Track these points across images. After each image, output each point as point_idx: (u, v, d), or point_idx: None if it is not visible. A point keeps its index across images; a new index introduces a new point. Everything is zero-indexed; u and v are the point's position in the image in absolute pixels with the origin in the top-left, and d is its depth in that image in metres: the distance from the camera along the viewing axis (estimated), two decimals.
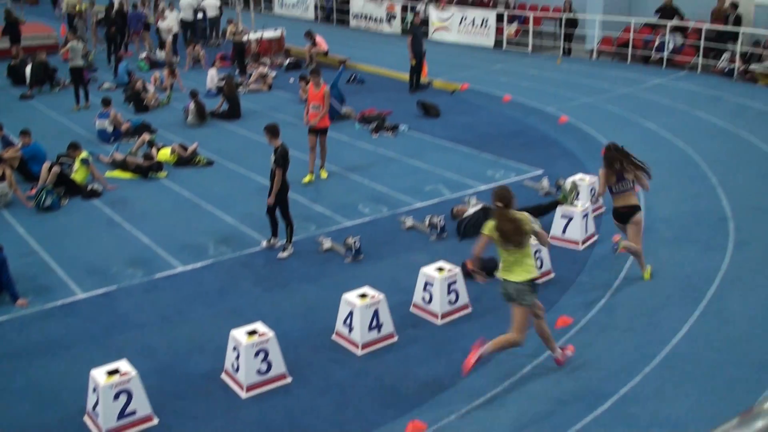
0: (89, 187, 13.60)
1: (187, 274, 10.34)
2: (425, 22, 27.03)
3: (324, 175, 13.82)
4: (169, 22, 24.63)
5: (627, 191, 8.81)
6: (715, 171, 12.91)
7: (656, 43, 21.28)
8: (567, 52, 23.58)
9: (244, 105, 18.84)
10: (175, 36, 24.82)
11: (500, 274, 7.06)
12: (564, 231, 10.81)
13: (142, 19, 25.58)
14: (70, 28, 25.90)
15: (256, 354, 7.48)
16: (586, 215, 10.83)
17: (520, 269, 6.94)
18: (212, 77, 20.69)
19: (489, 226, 6.95)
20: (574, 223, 10.73)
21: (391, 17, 28.80)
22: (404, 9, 28.35)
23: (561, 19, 23.70)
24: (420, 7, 27.68)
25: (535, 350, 7.80)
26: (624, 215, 8.92)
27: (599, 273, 9.75)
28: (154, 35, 26.19)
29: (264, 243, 11.06)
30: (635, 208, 8.86)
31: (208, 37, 26.93)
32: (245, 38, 22.82)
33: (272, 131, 10.48)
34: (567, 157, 14.79)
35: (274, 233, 11.01)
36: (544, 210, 11.37)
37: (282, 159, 10.35)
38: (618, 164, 8.70)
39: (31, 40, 25.72)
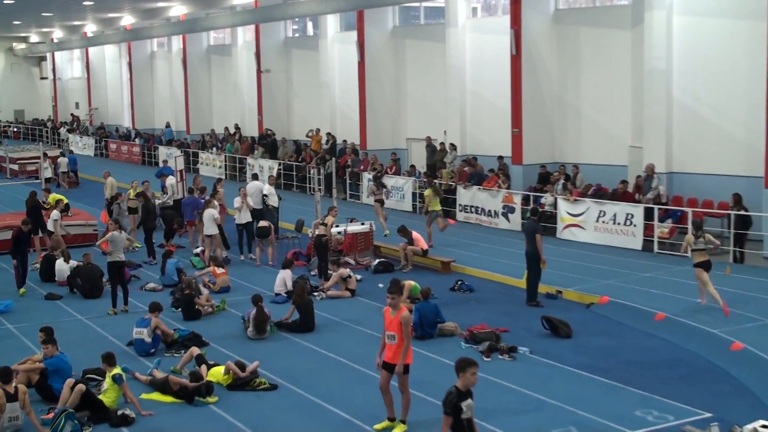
0: (119, 412, 13.82)
1: None
2: (550, 216, 27.56)
3: (400, 430, 12.80)
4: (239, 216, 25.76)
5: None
6: None
7: None
8: (739, 258, 23.41)
9: (319, 314, 19.21)
10: (247, 226, 25.89)
11: None
12: None
13: (199, 206, 26.71)
14: (110, 215, 27.56)
15: None
16: None
17: None
18: (283, 279, 21.29)
19: None
20: None
21: (508, 210, 29.46)
22: (525, 200, 29.01)
23: (729, 217, 23.75)
24: (545, 198, 28.27)
25: None
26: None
27: None
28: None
29: None
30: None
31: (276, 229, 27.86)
32: (330, 232, 23.55)
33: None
34: (742, 396, 14.31)
35: None
36: None
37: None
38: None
39: (67, 230, 27.23)
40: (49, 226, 25.83)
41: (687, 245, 19.22)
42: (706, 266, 18.93)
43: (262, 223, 25.15)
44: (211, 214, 24.74)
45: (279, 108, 48.31)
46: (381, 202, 28.93)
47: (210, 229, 24.71)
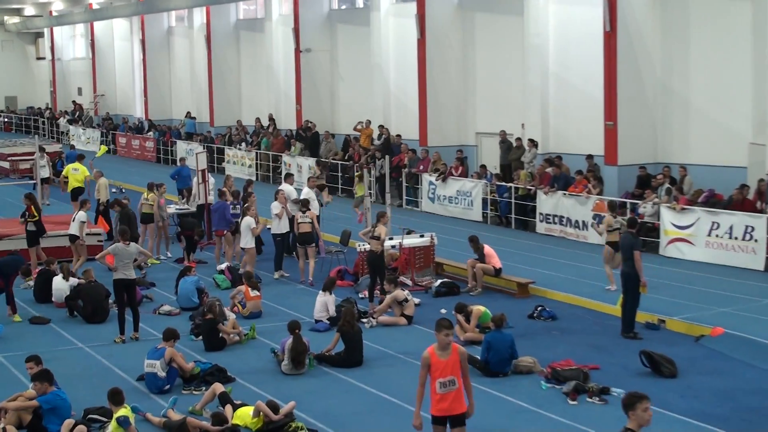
0: None
1: None
2: (652, 228, 27.36)
3: None
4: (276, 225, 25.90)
5: None
6: None
7: None
8: None
9: (368, 345, 19.23)
10: (283, 237, 26.08)
11: None
12: None
13: (228, 214, 26.80)
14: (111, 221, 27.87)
15: None
16: None
17: None
18: (324, 303, 21.36)
19: None
20: None
21: (599, 221, 29.27)
22: (621, 209, 28.81)
23: None
24: (645, 207, 28.04)
25: None
26: None
27: None
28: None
29: None
30: None
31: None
32: (385, 246, 23.50)
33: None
34: None
35: None
36: None
37: None
38: None
39: (65, 241, 27.52)
40: (73, 230, 26.18)
41: (607, 226, 23.75)
42: (616, 246, 22.46)
43: (304, 227, 25.27)
44: (248, 223, 24.98)
45: (321, 95, 48.56)
46: (321, 187, 31.75)
47: (246, 240, 24.89)
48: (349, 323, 18.76)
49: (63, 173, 34.93)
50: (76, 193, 32.73)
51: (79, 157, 35.72)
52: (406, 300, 21.89)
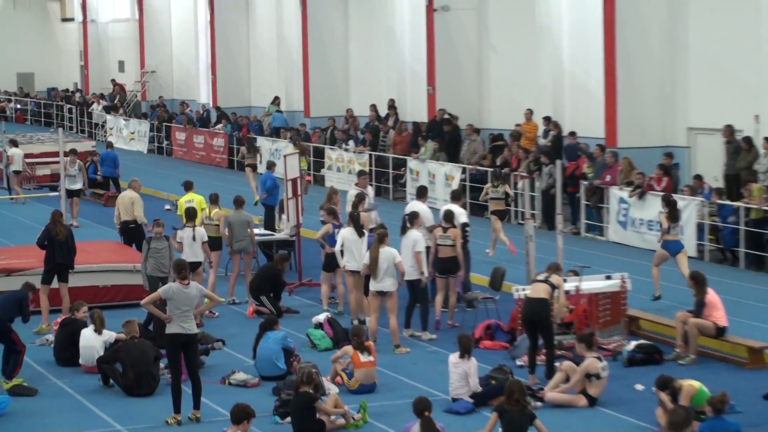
0: None
1: None
2: None
3: None
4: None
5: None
6: None
7: None
8: None
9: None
10: (415, 283, 25.95)
11: None
12: None
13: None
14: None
15: None
16: None
17: None
18: (464, 374, 21.14)
19: None
20: None
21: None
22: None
23: None
24: None
25: None
26: None
27: None
28: None
29: None
30: None
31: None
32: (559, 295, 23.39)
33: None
34: None
35: None
36: None
37: None
38: None
39: (99, 278, 28.00)
40: (195, 256, 26.97)
41: (485, 194, 35.50)
42: (501, 215, 34.31)
43: (446, 250, 25.59)
44: (393, 256, 24.85)
45: (464, 74, 48.72)
46: (253, 167, 43.00)
47: (392, 281, 24.85)
48: (516, 402, 18.37)
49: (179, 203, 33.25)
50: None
51: (187, 186, 33.87)
52: (598, 376, 21.53)
